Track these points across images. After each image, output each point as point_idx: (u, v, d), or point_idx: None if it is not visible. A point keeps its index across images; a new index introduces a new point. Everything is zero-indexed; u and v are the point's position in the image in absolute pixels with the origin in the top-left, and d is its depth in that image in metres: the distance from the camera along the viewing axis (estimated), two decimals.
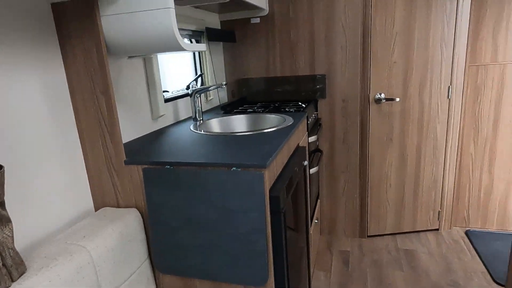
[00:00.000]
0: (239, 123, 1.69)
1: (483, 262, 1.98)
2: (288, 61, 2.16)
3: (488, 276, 1.87)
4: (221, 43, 2.21)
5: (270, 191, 0.99)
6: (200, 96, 1.63)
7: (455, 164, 2.22)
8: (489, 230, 2.32)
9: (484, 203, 2.30)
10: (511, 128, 2.14)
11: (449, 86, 2.08)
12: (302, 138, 1.60)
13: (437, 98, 2.10)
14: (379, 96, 2.10)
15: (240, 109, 1.96)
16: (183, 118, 1.73)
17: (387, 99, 2.09)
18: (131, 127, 1.35)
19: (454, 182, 2.27)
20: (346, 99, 2.12)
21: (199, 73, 1.96)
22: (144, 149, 1.18)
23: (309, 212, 1.63)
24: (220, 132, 1.33)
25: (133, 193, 1.09)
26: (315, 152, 2.11)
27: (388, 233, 2.35)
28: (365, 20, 1.98)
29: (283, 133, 1.26)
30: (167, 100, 1.61)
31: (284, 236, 1.04)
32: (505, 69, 2.07)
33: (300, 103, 2.05)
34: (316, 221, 2.10)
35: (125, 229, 1.00)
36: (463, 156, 2.27)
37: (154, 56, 1.43)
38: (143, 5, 0.91)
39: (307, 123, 1.75)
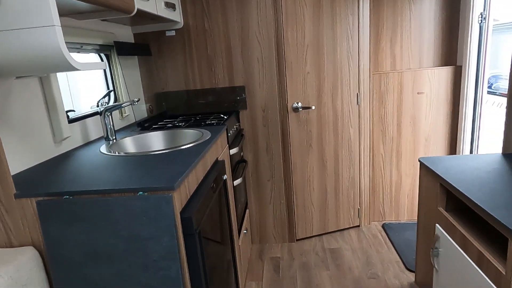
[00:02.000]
0: (155, 141, 1.63)
1: (397, 252, 2.17)
2: (207, 74, 2.15)
3: (402, 265, 2.05)
4: (136, 56, 2.12)
5: (181, 212, 0.96)
6: (111, 114, 1.54)
7: (368, 164, 2.41)
8: (401, 221, 2.55)
9: (395, 197, 2.54)
10: (411, 128, 2.39)
11: (357, 93, 2.26)
12: (222, 151, 1.60)
13: (348, 105, 2.27)
14: (296, 105, 2.19)
15: (160, 124, 1.89)
16: (94, 138, 1.61)
17: (304, 108, 2.19)
18: (28, 153, 1.21)
19: (370, 181, 2.47)
20: (266, 109, 2.18)
21: (110, 89, 1.85)
22: (41, 178, 1.06)
23: (233, 225, 1.63)
24: (133, 153, 1.27)
25: (28, 230, 0.98)
26: (239, 163, 2.12)
27: (315, 234, 2.45)
28: (277, 33, 2.06)
29: (198, 149, 1.24)
30: (73, 120, 1.49)
31: (201, 258, 1.01)
32: (402, 75, 2.32)
33: (221, 115, 2.05)
34: (246, 231, 2.10)
35: (16, 273, 0.88)
36: (375, 156, 2.47)
37: (53, 74, 1.31)
38: (23, 22, 0.82)
39: (227, 135, 1.75)
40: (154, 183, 0.93)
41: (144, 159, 1.17)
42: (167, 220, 0.90)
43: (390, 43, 2.29)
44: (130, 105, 1.89)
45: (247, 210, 2.31)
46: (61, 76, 1.49)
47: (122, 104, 1.54)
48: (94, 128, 1.63)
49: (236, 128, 2.05)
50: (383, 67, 2.33)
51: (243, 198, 2.19)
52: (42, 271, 0.98)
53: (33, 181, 1.04)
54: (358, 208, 2.49)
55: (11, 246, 0.99)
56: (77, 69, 0.91)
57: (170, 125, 1.86)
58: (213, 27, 2.08)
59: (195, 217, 0.99)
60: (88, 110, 1.62)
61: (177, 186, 0.93)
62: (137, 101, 1.54)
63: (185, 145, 1.32)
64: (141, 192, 0.91)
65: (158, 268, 0.92)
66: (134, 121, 1.98)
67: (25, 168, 1.19)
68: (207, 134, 1.49)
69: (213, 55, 2.12)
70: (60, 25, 0.84)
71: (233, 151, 1.80)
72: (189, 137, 1.62)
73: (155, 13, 1.59)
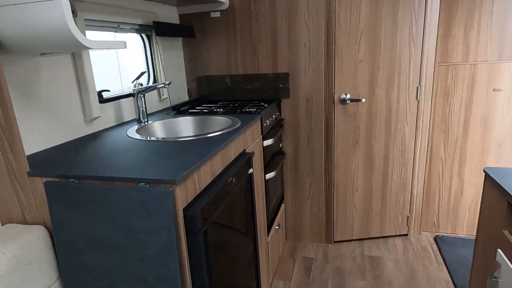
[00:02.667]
0: (184, 126, 1.57)
1: (448, 270, 1.91)
2: (250, 58, 2.04)
3: (452, 286, 1.79)
4: (180, 38, 2.08)
5: (185, 209, 0.88)
6: (143, 96, 1.51)
7: (424, 168, 2.14)
8: (459, 235, 2.24)
9: (454, 208, 2.23)
10: (482, 130, 2.05)
11: (417, 87, 1.98)
12: (252, 142, 1.49)
13: (405, 99, 2.01)
14: (344, 96, 1.99)
15: (197, 109, 1.84)
16: (127, 120, 1.61)
17: (352, 100, 1.98)
18: (57, 131, 1.22)
19: (424, 186, 2.19)
20: (310, 99, 2.01)
21: (151, 70, 1.83)
22: (60, 158, 1.05)
23: (257, 220, 1.53)
24: (155, 138, 1.22)
25: (41, 209, 0.97)
26: (277, 155, 2.00)
27: (355, 238, 2.26)
28: (329, 16, 1.87)
29: (221, 139, 1.15)
30: (107, 100, 1.48)
31: (206, 257, 0.93)
32: (475, 69, 1.98)
33: (262, 103, 1.94)
34: (278, 227, 2.00)
35: (21, 251, 0.88)
36: (433, 160, 2.18)
37: (85, 52, 1.30)
38: None
39: (262, 125, 1.64)
40: (158, 174, 0.86)
41: (162, 146, 1.11)
42: (166, 216, 0.82)
43: (464, 29, 1.96)
44: (166, 88, 1.86)
45: (283, 205, 2.19)
46: (97, 55, 1.50)
47: (154, 86, 1.50)
48: (130, 109, 1.62)
49: (275, 117, 1.93)
50: (453, 57, 2.01)
51: (278, 192, 2.08)
52: (51, 252, 0.97)
53: (52, 160, 1.04)
54: (408, 215, 2.23)
55: (25, 223, 1.00)
56: (88, 47, 0.86)
57: (206, 110, 1.80)
58: (259, 8, 1.95)
59: (201, 214, 0.90)
60: (123, 91, 1.61)
61: (180, 181, 0.84)
62: (169, 84, 1.49)
63: (210, 133, 1.24)
64: (143, 183, 0.85)
65: (155, 263, 0.86)
66: (170, 104, 1.95)
67: (53, 145, 1.21)
68: (237, 123, 1.39)
69: (257, 39, 1.99)
70: None
71: (268, 142, 1.69)
72: (218, 124, 1.54)
73: None
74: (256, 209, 1.51)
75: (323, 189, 2.15)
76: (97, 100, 1.37)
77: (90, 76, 1.33)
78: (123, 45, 1.02)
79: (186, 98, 2.15)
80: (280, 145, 2.09)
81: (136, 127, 1.43)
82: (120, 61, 1.69)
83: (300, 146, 2.11)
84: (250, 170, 1.33)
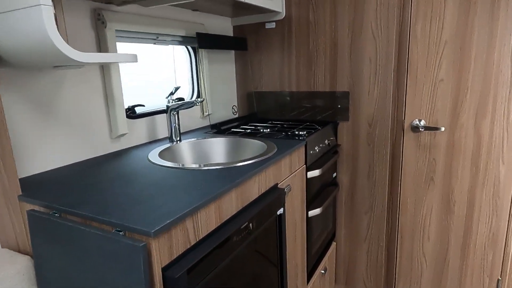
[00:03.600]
0: (215, 149, 1.40)
1: None
2: (305, 74, 1.80)
3: None
4: (233, 51, 1.94)
5: (166, 268, 0.69)
6: (177, 113, 1.39)
7: None
8: None
9: None
10: None
11: None
12: (289, 174, 1.25)
13: (502, 131, 1.56)
14: (417, 123, 1.63)
15: (241, 128, 1.67)
16: (161, 137, 1.50)
17: (428, 128, 1.61)
18: (79, 147, 1.15)
19: None
20: (374, 124, 1.69)
21: (195, 84, 1.72)
22: (60, 180, 0.96)
23: (286, 272, 1.27)
24: (171, 165, 1.06)
25: (28, 236, 0.88)
26: (328, 186, 1.71)
27: None
28: (402, 26, 1.54)
29: (244, 171, 0.95)
30: (140, 116, 1.40)
31: None
32: None
33: (315, 125, 1.68)
34: (324, 271, 1.70)
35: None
36: None
37: (114, 64, 1.22)
38: (13, 1, 0.68)
39: (306, 154, 1.38)
40: (137, 219, 0.68)
41: (173, 176, 0.95)
42: (137, 277, 0.64)
43: None
44: (201, 104, 1.72)
45: (333, 243, 1.88)
46: (131, 68, 1.42)
47: (185, 103, 1.36)
48: (165, 126, 1.51)
49: (329, 143, 1.65)
50: None
51: (328, 229, 1.78)
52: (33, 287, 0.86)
53: (52, 182, 0.94)
54: (498, 279, 1.73)
55: (18, 250, 0.92)
56: (76, 61, 0.74)
57: (249, 130, 1.61)
58: (318, 18, 1.71)
59: (190, 276, 0.70)
60: (157, 107, 1.51)
61: (159, 232, 0.66)
62: (201, 101, 1.34)
63: (235, 162, 1.04)
64: (117, 230, 0.68)
65: None
66: (210, 122, 1.80)
67: (72, 162, 1.13)
68: (272, 149, 1.17)
69: (314, 52, 1.75)
70: (50, 4, 0.67)
71: (314, 173, 1.43)
72: (252, 149, 1.34)
73: (250, 2, 1.35)
74: (288, 255, 1.26)
75: (385, 231, 1.79)
76: (124, 116, 1.28)
77: (118, 90, 1.25)
78: (133, 58, 0.89)
79: (237, 115, 2.00)
80: (334, 174, 1.79)
81: (163, 147, 1.30)
82: (164, 74, 1.61)
83: (359, 178, 1.79)
84: (280, 210, 1.10)
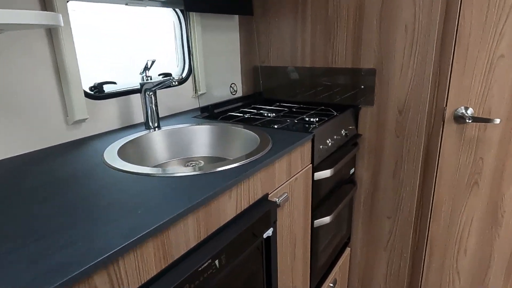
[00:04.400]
0: (192, 142, 1.13)
1: None
2: (322, 46, 1.46)
3: None
4: (237, 16, 1.61)
5: None
6: (154, 94, 1.11)
7: None
8: None
9: None
10: None
11: None
12: (287, 179, 0.96)
13: None
14: (463, 112, 1.27)
15: (241, 111, 1.38)
16: (138, 122, 1.24)
17: (477, 119, 1.25)
18: (25, 135, 0.91)
19: None
20: (405, 110, 1.34)
21: (187, 57, 1.42)
22: None
23: None
24: (123, 168, 0.80)
25: None
26: (344, 184, 1.41)
27: None
28: None
29: (214, 185, 0.67)
30: (108, 96, 1.13)
31: None
32: None
33: (331, 110, 1.37)
34: (332, 284, 1.43)
35: None
36: None
37: (65, 30, 0.95)
38: None
39: (313, 149, 1.08)
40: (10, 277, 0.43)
41: (117, 188, 0.69)
42: None
43: None
44: (173, 84, 1.42)
45: (347, 249, 1.60)
46: (105, 38, 1.14)
47: (161, 81, 1.08)
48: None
49: (346, 133, 1.33)
50: None
51: (343, 232, 1.50)
52: None
53: None
54: None
55: None
56: None
57: (248, 115, 1.32)
58: None
59: None
60: (133, 85, 1.23)
61: None
62: (181, 80, 1.06)
63: (213, 167, 0.77)
64: None
65: None
66: (199, 105, 1.51)
67: (17, 153, 0.90)
68: (265, 146, 0.88)
69: (334, 18, 1.40)
70: None
71: (323, 174, 1.13)
72: (240, 144, 1.05)
73: None
74: (283, 279, 0.99)
75: (410, 240, 1.48)
76: (83, 96, 1.02)
77: (72, 63, 0.98)
78: (51, 20, 0.61)
79: (239, 93, 1.69)
80: (352, 170, 1.48)
81: (132, 137, 1.03)
82: (154, 45, 1.33)
83: (382, 176, 1.47)
84: (268, 232, 0.82)
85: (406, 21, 1.25)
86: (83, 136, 1.06)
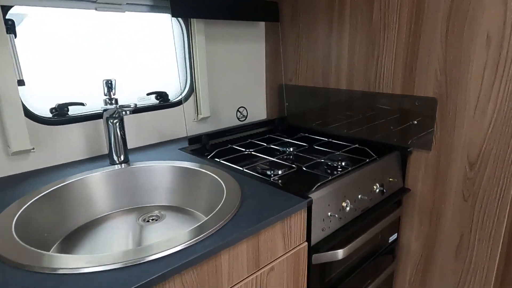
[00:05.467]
0: (151, 186, 0.85)
1: None
2: (363, 62, 1.07)
3: None
4: (263, 23, 1.31)
5: None
6: (120, 120, 0.88)
7: None
8: None
9: None
10: None
11: None
12: (246, 274, 0.63)
13: None
14: None
15: (238, 146, 1.08)
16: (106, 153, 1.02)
17: None
18: None
19: None
20: (481, 162, 0.89)
21: (188, 73, 1.17)
22: None
23: None
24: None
25: None
26: (378, 256, 1.01)
27: None
28: None
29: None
30: (76, 120, 0.93)
31: None
32: None
33: (368, 151, 0.99)
34: None
35: None
36: None
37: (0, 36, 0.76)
38: None
39: (309, 221, 0.72)
40: None
41: None
42: None
43: None
44: (195, 102, 1.15)
45: None
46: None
47: (123, 107, 0.84)
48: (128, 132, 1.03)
49: (381, 190, 0.93)
50: None
51: None
52: None
53: None
54: None
55: None
56: None
57: (252, 150, 1.02)
58: None
59: None
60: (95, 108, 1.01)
61: None
62: (131, 109, 0.80)
63: (145, 256, 0.50)
64: None
65: None
66: (186, 134, 1.23)
67: None
68: (225, 215, 0.57)
69: (380, 25, 1.01)
70: None
71: (328, 256, 0.76)
72: (211, 197, 0.75)
73: None
74: None
75: None
76: (23, 122, 0.82)
77: (9, 78, 0.79)
78: None
79: (263, 116, 1.39)
80: (393, 237, 1.06)
81: (77, 177, 0.81)
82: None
83: (439, 251, 1.02)
84: None
85: (489, 29, 0.82)
86: (27, 170, 0.87)
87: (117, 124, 0.89)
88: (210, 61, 1.18)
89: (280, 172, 0.84)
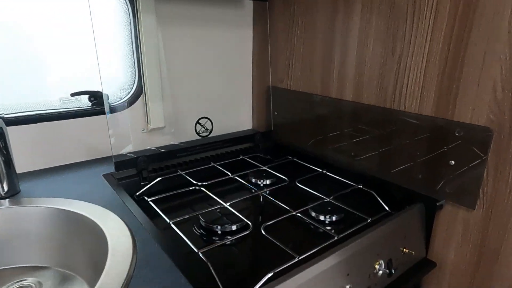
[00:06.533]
0: (22, 236, 0.56)
1: None
2: (378, 64, 0.72)
3: None
4: (250, 4, 0.98)
5: None
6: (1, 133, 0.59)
7: None
8: None
9: None
10: None
11: None
12: None
13: None
14: None
15: (189, 173, 0.77)
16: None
17: None
18: None
19: None
20: None
21: (136, 67, 0.86)
22: None
23: None
24: None
25: None
26: None
27: None
28: None
29: None
30: None
31: None
32: None
33: (375, 196, 0.65)
34: None
35: None
36: None
37: None
38: None
39: None
40: None
41: None
42: None
43: None
44: (144, 106, 0.84)
45: None
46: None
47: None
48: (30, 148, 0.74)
49: (385, 269, 0.59)
50: None
51: None
52: None
53: None
54: None
55: None
56: None
57: (204, 182, 0.70)
58: None
59: None
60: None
61: None
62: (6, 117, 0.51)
63: None
64: None
65: None
66: (112, 154, 0.91)
67: None
68: None
69: (405, 9, 0.65)
70: None
71: None
72: (93, 259, 0.44)
73: None
74: None
75: None
76: None
77: None
78: None
79: (248, 127, 1.06)
80: None
81: None
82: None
83: None
84: None
85: None
86: None
87: None
88: (169, 52, 0.86)
89: (220, 241, 0.53)
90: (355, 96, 0.78)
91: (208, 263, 0.46)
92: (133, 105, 0.86)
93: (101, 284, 0.38)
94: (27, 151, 0.74)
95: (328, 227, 0.60)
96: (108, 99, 0.85)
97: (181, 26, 0.87)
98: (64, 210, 0.56)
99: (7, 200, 0.62)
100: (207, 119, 0.86)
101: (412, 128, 0.67)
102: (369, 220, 0.59)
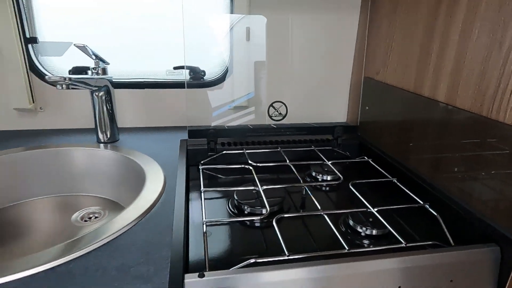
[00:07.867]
0: (90, 173, 0.69)
1: None
2: (480, 57, 0.56)
3: None
4: None
5: None
6: (104, 94, 0.77)
7: None
8: None
9: None
10: None
11: None
12: None
13: None
14: None
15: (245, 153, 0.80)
16: (88, 127, 0.92)
17: None
18: None
19: None
20: None
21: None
22: None
23: None
24: None
25: None
26: None
27: None
28: None
29: None
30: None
31: None
32: None
33: (440, 223, 0.55)
34: None
35: None
36: None
37: None
38: None
39: None
40: None
41: None
42: None
43: None
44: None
45: None
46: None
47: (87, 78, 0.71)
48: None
49: None
50: None
51: None
52: None
53: None
54: None
55: None
56: None
57: (257, 163, 0.73)
58: None
59: None
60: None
61: None
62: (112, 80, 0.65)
63: None
64: None
65: None
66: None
67: None
68: None
69: None
70: None
71: None
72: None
73: None
74: None
75: None
76: (22, 79, 0.81)
77: (10, 38, 0.78)
78: None
79: (341, 119, 1.01)
80: None
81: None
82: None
83: None
84: None
85: None
86: (31, 128, 0.88)
87: (103, 97, 0.78)
88: (270, 35, 0.89)
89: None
90: (448, 97, 0.63)
91: (210, 234, 0.49)
92: (223, 83, 0.93)
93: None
94: (132, 110, 0.92)
95: (349, 237, 0.53)
96: (204, 75, 0.95)
97: (283, 11, 0.88)
98: (127, 157, 0.68)
99: (108, 144, 0.79)
100: (281, 103, 0.86)
101: (511, 147, 0.50)
102: (403, 244, 0.49)
